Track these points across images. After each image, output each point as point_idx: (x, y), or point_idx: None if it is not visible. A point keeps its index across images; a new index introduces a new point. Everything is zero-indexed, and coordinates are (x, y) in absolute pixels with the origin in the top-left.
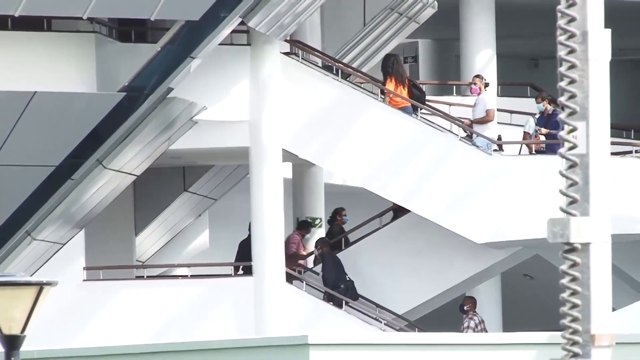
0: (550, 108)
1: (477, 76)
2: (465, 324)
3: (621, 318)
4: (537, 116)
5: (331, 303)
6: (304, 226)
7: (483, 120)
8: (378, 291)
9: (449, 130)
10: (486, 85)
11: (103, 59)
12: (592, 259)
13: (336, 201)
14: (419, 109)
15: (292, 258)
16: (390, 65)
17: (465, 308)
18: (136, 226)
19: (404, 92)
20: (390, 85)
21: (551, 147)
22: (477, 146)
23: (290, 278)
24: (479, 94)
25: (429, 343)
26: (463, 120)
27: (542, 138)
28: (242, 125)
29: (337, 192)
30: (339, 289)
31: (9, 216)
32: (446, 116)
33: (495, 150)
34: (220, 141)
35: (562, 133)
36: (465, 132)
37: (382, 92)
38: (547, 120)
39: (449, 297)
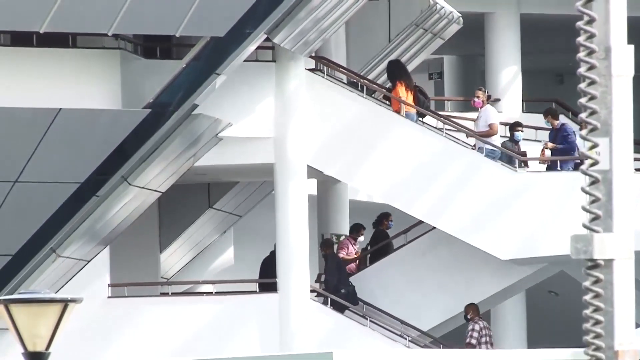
0: (557, 123)
1: (480, 89)
2: (470, 327)
3: None
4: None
5: (331, 307)
6: (355, 229)
7: (486, 134)
8: (403, 307)
9: (473, 147)
10: (488, 97)
11: (128, 76)
12: (615, 275)
13: (361, 218)
14: (424, 115)
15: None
16: (399, 71)
17: (468, 316)
18: (161, 243)
19: (410, 97)
20: (402, 90)
21: (557, 161)
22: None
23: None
24: (481, 107)
25: None
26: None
27: (548, 152)
28: (267, 142)
29: (362, 208)
30: (339, 293)
31: (34, 233)
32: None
33: (520, 166)
34: (245, 158)
35: (583, 149)
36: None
37: (387, 98)
38: (556, 135)
39: None
